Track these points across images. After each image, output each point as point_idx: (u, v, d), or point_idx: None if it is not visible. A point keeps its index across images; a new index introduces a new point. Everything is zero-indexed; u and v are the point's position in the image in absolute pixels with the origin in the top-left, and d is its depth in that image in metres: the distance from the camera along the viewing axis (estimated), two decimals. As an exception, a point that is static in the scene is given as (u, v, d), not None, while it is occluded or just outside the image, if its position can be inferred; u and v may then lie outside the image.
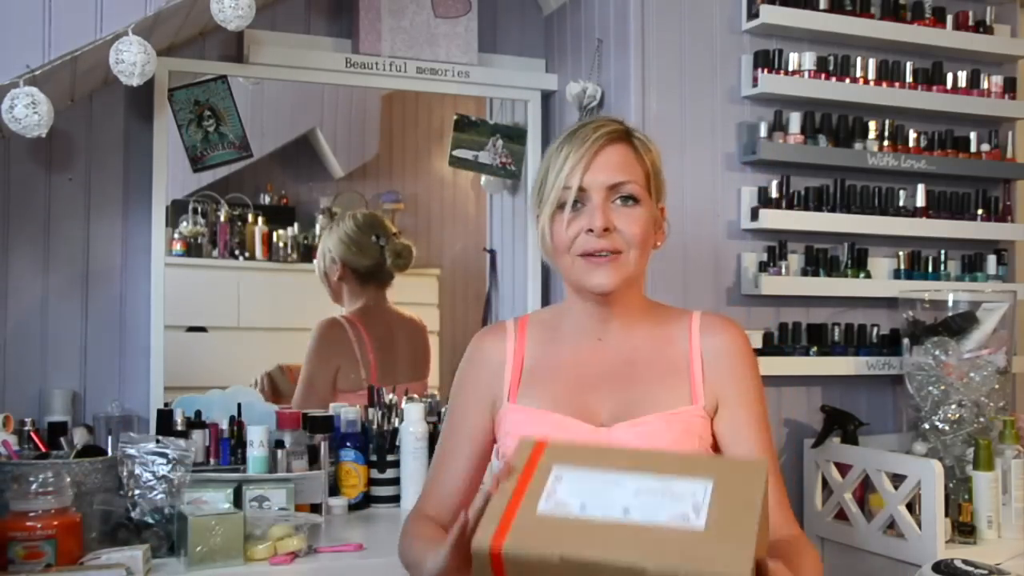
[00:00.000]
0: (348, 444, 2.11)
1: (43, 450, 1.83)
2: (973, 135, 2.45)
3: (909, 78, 2.38)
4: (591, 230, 1.35)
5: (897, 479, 1.97)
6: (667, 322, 1.46)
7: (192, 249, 2.38)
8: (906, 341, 2.23)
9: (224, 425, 2.11)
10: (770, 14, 2.22)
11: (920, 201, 2.38)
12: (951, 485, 2.04)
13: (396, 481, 2.12)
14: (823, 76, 2.28)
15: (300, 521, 1.71)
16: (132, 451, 1.64)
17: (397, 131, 2.68)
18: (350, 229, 2.51)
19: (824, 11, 2.29)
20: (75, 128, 2.18)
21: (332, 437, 2.11)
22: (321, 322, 2.48)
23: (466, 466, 1.47)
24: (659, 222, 1.44)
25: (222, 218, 2.43)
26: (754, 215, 2.24)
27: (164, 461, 1.64)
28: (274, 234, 2.48)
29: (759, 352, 2.18)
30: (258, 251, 2.46)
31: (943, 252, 2.42)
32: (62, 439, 1.94)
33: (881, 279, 2.37)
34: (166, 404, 2.14)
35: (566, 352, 1.45)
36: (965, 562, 1.66)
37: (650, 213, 1.40)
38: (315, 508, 1.91)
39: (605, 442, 1.35)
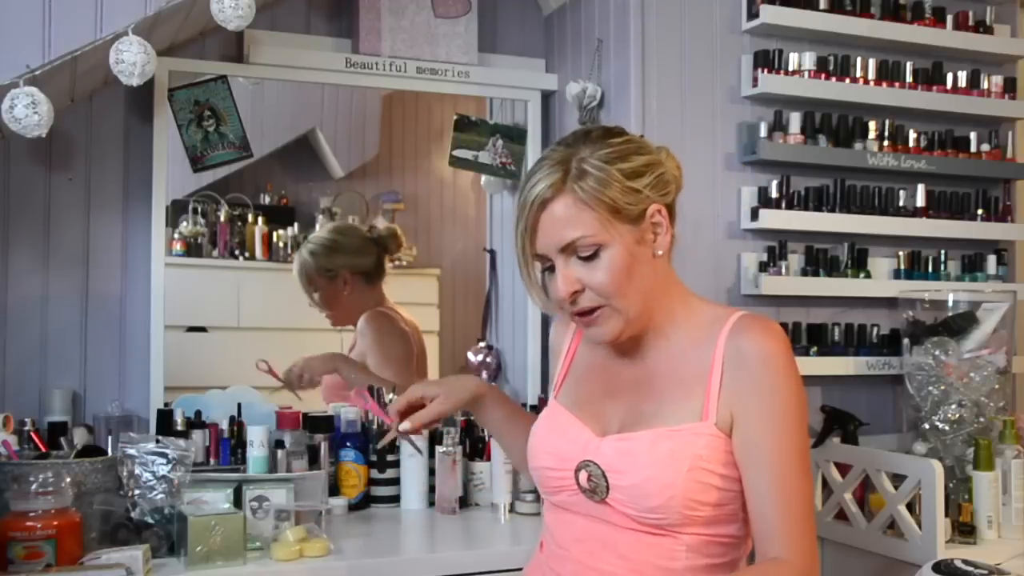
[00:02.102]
0: (348, 444, 2.11)
1: (43, 450, 1.83)
2: (973, 135, 2.45)
3: (909, 78, 2.38)
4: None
5: (897, 479, 1.96)
6: (701, 325, 1.33)
7: (192, 249, 2.38)
8: (906, 341, 2.23)
9: (224, 425, 2.11)
10: (770, 14, 2.22)
11: (920, 201, 2.38)
12: (951, 485, 2.04)
13: (396, 481, 2.12)
14: (823, 76, 2.28)
15: (305, 507, 1.71)
16: (132, 451, 1.64)
17: (397, 131, 2.68)
18: (333, 238, 2.48)
19: (824, 11, 2.29)
20: (75, 128, 2.18)
21: (332, 437, 2.11)
22: (372, 314, 2.47)
23: None
24: (648, 232, 1.30)
25: (222, 218, 2.43)
26: (754, 215, 2.24)
27: (164, 461, 1.64)
28: (274, 234, 2.48)
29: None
30: (258, 251, 2.46)
31: (943, 252, 2.42)
32: (62, 439, 1.94)
33: (881, 279, 2.37)
34: (166, 404, 2.14)
35: (603, 358, 1.41)
36: (965, 562, 1.66)
37: (622, 247, 1.27)
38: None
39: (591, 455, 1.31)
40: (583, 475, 1.31)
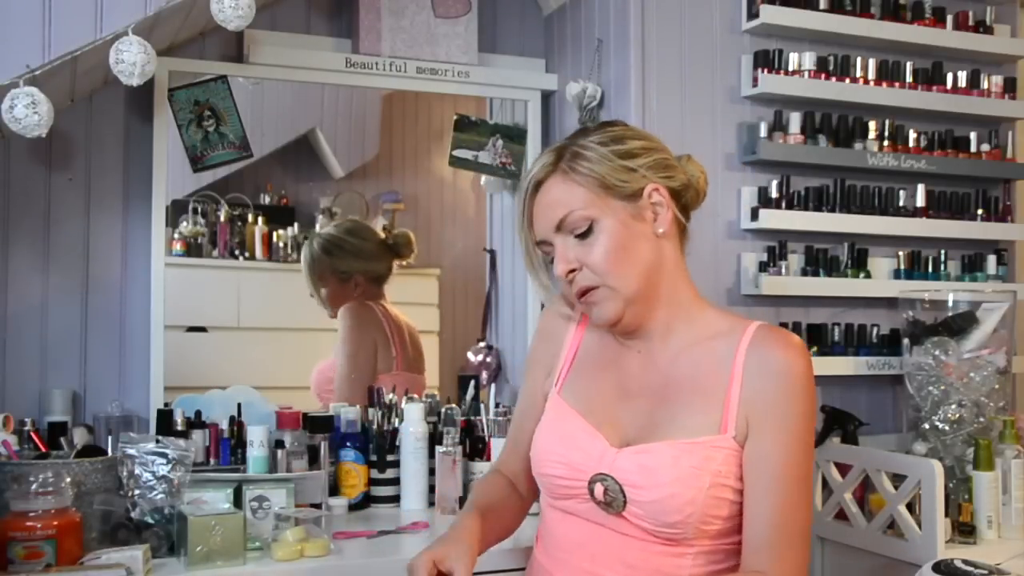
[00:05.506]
0: (348, 444, 2.11)
1: (43, 450, 1.83)
2: (973, 135, 2.45)
3: (909, 78, 2.38)
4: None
5: (897, 479, 1.96)
6: (719, 334, 1.32)
7: (192, 249, 2.38)
8: (906, 341, 2.23)
9: (224, 425, 2.11)
10: (770, 14, 2.23)
11: (920, 201, 2.38)
12: (951, 485, 2.04)
13: (396, 481, 2.12)
14: (823, 76, 2.28)
15: (304, 515, 1.71)
16: (132, 451, 1.64)
17: (397, 131, 2.68)
18: (351, 241, 2.50)
19: (824, 11, 2.29)
20: (75, 128, 2.18)
21: (332, 437, 2.11)
22: (349, 306, 2.48)
23: (534, 428, 1.46)
24: (646, 210, 1.31)
25: (222, 218, 2.43)
26: (754, 215, 2.24)
27: (164, 461, 1.64)
28: (274, 234, 2.48)
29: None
30: (258, 251, 2.46)
31: (943, 252, 2.42)
32: (62, 439, 1.94)
33: (881, 279, 2.38)
34: (166, 404, 2.14)
35: (612, 355, 1.39)
36: (965, 562, 1.66)
37: (615, 221, 1.29)
38: (315, 508, 1.91)
39: (607, 468, 1.29)
40: (599, 488, 1.29)
